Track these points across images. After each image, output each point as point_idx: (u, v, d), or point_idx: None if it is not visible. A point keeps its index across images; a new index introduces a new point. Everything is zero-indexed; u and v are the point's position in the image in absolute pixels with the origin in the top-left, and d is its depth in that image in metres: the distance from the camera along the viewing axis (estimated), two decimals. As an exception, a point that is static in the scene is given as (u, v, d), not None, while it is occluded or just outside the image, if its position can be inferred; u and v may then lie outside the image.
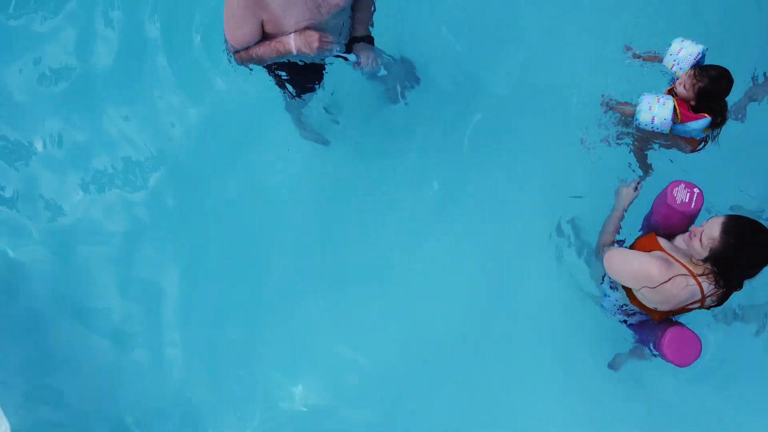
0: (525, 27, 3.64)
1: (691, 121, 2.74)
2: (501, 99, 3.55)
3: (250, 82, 3.16)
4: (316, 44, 2.41)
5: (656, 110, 2.73)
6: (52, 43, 3.68)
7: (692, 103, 2.73)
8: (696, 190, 2.48)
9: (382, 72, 2.78)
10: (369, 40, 2.77)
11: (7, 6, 3.74)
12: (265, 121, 3.54)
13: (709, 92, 2.66)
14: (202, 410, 3.34)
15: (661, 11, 3.50)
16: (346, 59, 2.70)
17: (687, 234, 2.39)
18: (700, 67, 2.69)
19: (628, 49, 3.18)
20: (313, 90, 3.02)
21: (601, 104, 3.11)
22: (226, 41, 2.53)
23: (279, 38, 2.45)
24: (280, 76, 2.88)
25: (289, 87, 2.96)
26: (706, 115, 2.73)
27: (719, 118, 2.76)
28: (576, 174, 3.35)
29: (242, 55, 2.53)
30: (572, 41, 3.56)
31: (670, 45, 2.83)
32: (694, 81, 2.65)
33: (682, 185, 2.50)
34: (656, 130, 2.80)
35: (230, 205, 3.53)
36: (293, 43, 2.43)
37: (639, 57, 3.12)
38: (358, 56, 2.69)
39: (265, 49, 2.48)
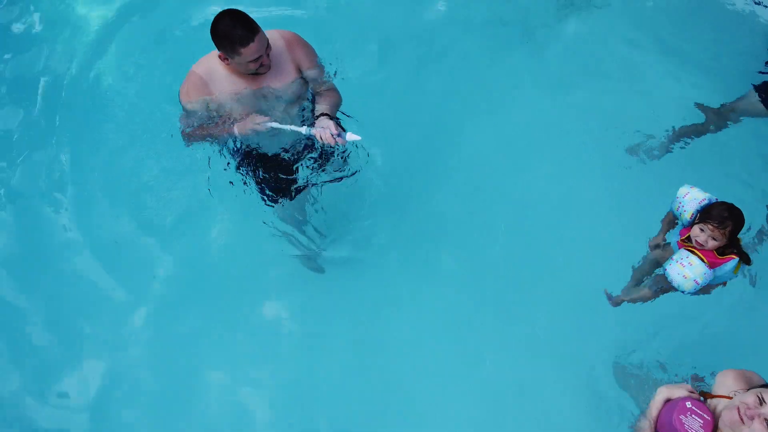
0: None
1: (722, 264, 2.75)
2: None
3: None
4: (250, 125, 2.64)
5: (689, 272, 2.73)
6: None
7: (720, 246, 2.73)
8: (707, 417, 2.10)
9: (347, 140, 2.64)
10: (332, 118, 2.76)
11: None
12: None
13: (737, 230, 2.70)
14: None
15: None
16: (299, 132, 2.67)
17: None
18: (713, 215, 2.69)
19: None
20: (287, 193, 3.13)
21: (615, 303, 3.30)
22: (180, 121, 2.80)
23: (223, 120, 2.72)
24: (257, 175, 3.07)
25: (265, 189, 3.12)
26: (733, 256, 2.75)
27: (743, 254, 2.78)
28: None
29: (190, 134, 2.77)
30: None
31: (678, 191, 2.91)
32: (721, 229, 2.66)
33: (690, 412, 2.11)
34: (704, 286, 2.78)
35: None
36: (235, 130, 2.68)
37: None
38: (310, 129, 2.65)
39: (209, 134, 2.74)
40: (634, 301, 3.18)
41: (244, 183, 3.10)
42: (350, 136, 2.59)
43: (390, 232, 3.70)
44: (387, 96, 4.03)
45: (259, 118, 2.64)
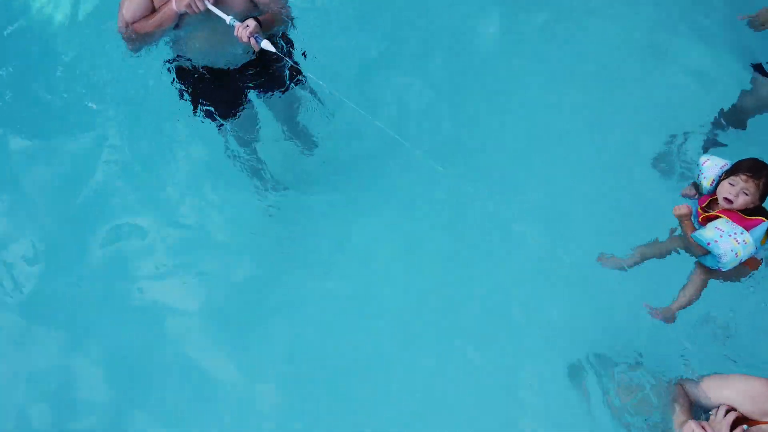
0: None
1: (751, 229, 2.51)
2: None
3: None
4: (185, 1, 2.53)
5: (742, 249, 2.49)
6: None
7: (749, 207, 2.55)
8: None
9: (260, 45, 2.58)
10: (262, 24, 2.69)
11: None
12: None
13: None
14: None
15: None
16: (225, 20, 2.59)
17: None
18: (744, 167, 2.53)
19: None
20: (235, 114, 3.05)
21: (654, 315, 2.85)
22: (119, 24, 2.70)
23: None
24: (201, 102, 2.97)
25: (211, 111, 3.00)
26: (762, 218, 2.52)
27: None
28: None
29: (132, 33, 2.67)
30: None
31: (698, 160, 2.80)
32: (756, 180, 2.48)
33: None
34: (748, 256, 2.54)
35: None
36: (173, 4, 2.57)
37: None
38: (235, 21, 2.58)
39: (152, 20, 2.63)
40: (688, 303, 2.78)
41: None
42: (266, 44, 2.57)
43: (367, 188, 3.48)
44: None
45: None
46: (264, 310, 3.23)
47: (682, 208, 2.71)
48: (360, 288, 3.24)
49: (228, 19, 2.58)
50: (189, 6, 2.54)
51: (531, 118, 3.67)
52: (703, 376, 2.30)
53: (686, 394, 2.27)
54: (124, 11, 2.66)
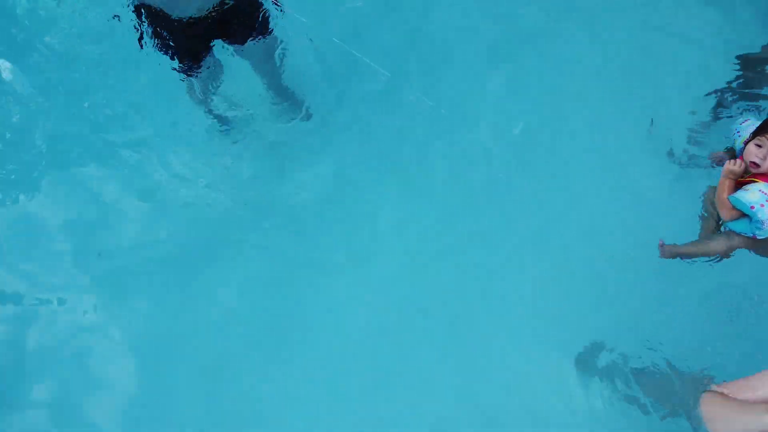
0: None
1: None
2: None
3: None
4: None
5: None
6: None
7: None
8: None
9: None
10: None
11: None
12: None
13: None
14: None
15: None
16: None
17: None
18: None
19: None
20: (192, 69, 2.69)
21: None
22: None
23: None
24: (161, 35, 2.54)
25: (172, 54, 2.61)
26: None
27: None
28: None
29: None
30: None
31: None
32: None
33: None
34: None
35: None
36: None
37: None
38: None
39: None
40: (693, 255, 2.60)
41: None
42: None
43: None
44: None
45: None
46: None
47: (736, 163, 2.45)
48: (363, 282, 2.96)
49: None
50: None
51: (538, 109, 3.31)
52: (725, 383, 2.14)
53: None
54: None
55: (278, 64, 2.88)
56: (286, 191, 3.10)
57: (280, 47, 2.81)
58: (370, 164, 3.16)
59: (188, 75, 2.72)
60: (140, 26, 2.53)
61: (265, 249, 2.99)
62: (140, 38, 2.55)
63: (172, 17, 2.43)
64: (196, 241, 3.02)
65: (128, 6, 2.49)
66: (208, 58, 2.70)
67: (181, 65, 2.66)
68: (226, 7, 2.50)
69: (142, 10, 2.45)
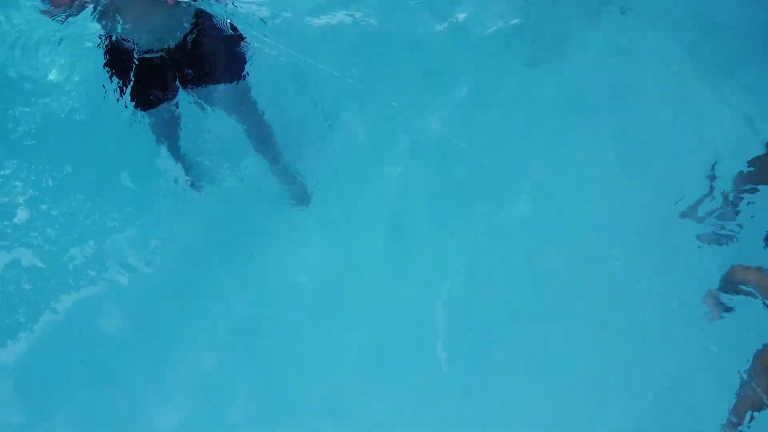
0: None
1: None
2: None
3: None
4: None
5: None
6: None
7: None
8: None
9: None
10: None
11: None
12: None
13: None
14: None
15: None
16: None
17: None
18: None
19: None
20: (153, 102, 2.47)
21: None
22: None
23: None
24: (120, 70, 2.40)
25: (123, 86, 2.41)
26: None
27: None
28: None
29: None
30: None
31: None
32: None
33: None
34: None
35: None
36: None
37: None
38: None
39: None
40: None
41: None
42: None
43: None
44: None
45: None
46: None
47: None
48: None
49: None
50: None
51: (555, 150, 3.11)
52: None
53: None
54: None
55: (256, 107, 2.62)
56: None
57: (253, 89, 2.58)
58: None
59: (150, 118, 2.53)
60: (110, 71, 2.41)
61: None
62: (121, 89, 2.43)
63: (135, 51, 2.32)
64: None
65: (99, 45, 2.41)
66: (172, 102, 2.52)
67: (143, 105, 2.46)
68: (189, 42, 2.36)
69: (109, 47, 2.38)
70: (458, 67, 3.31)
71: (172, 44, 2.35)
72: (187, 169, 2.81)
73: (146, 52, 2.35)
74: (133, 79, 2.38)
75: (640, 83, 3.28)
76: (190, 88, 2.47)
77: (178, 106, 2.56)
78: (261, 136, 2.73)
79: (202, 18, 2.37)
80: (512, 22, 3.44)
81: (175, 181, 2.80)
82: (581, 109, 3.21)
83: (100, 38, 2.40)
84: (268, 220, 2.84)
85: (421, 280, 2.76)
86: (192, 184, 2.83)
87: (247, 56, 2.49)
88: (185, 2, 2.18)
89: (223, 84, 2.47)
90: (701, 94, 3.23)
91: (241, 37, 2.47)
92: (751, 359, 2.34)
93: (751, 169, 2.80)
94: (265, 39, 2.57)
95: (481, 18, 3.42)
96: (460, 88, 3.22)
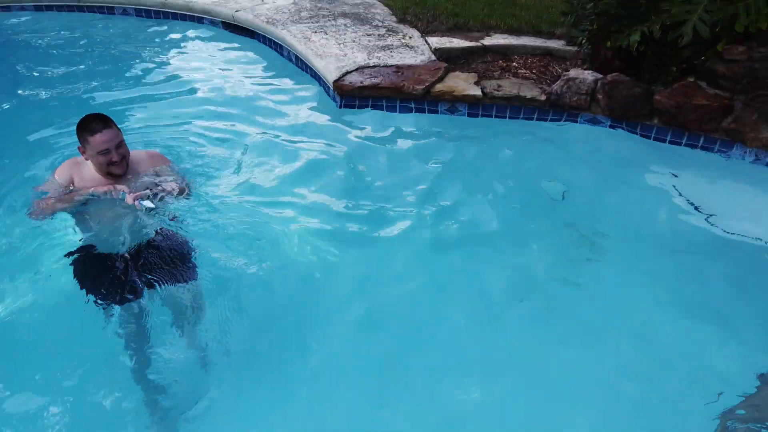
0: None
1: None
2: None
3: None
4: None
5: None
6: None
7: None
8: None
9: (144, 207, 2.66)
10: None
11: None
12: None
13: None
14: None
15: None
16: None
17: None
18: None
19: None
20: (124, 297, 2.67)
21: None
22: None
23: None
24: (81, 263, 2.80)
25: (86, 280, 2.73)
26: None
27: None
28: None
29: (45, 204, 2.76)
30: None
31: None
32: None
33: None
34: None
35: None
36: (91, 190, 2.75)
37: None
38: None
39: (65, 200, 2.77)
40: None
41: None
42: (146, 203, 2.66)
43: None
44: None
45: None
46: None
47: None
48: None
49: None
50: (107, 193, 2.72)
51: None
52: None
53: None
54: (34, 198, 2.83)
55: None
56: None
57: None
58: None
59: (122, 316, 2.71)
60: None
61: None
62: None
63: (103, 252, 2.81)
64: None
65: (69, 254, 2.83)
66: (133, 304, 2.72)
67: (107, 300, 2.69)
68: (151, 245, 2.86)
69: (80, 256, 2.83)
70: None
71: (136, 247, 2.81)
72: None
73: (113, 254, 2.77)
74: (99, 278, 2.71)
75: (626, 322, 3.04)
76: (149, 285, 2.75)
77: (142, 306, 2.73)
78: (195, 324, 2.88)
79: (163, 228, 2.89)
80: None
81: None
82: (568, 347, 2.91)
83: (71, 252, 2.84)
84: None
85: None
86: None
87: (198, 262, 2.89)
88: (150, 208, 2.65)
89: (179, 284, 2.80)
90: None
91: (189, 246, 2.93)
92: None
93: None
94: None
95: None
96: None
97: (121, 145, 2.79)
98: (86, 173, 2.87)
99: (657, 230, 3.58)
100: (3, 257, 3.17)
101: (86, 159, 2.82)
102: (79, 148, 2.80)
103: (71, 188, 2.81)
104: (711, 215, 3.64)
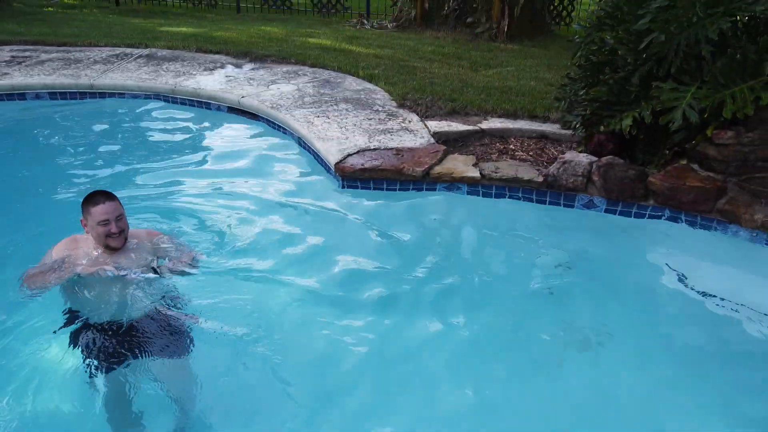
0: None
1: None
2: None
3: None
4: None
5: None
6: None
7: None
8: None
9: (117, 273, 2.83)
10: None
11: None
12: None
13: None
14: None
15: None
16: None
17: None
18: None
19: None
20: (119, 359, 2.77)
21: None
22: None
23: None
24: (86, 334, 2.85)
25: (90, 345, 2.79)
26: None
27: None
28: None
29: (34, 276, 2.84)
30: None
31: None
32: None
33: None
34: None
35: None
36: (79, 268, 2.82)
37: None
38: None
39: (53, 276, 2.84)
40: None
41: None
42: (148, 274, 2.88)
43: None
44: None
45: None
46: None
47: None
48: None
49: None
50: (95, 273, 2.80)
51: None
52: None
53: None
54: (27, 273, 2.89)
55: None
56: None
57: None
58: None
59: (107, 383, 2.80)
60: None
61: None
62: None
63: (95, 322, 2.89)
64: None
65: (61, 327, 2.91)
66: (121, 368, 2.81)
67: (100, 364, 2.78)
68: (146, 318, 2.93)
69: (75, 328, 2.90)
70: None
71: (128, 320, 2.89)
72: None
73: (106, 323, 2.85)
74: (94, 350, 2.79)
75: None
76: (135, 355, 2.82)
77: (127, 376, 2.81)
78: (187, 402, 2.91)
79: (158, 304, 2.97)
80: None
81: None
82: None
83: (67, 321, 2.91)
84: None
85: None
86: None
87: (195, 337, 2.96)
88: (151, 278, 2.86)
89: (168, 358, 2.87)
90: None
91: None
92: None
93: None
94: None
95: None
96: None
97: (121, 218, 2.91)
98: (81, 251, 2.95)
99: (657, 314, 3.56)
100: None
101: (87, 231, 2.94)
102: (81, 220, 2.94)
103: (63, 264, 2.87)
104: (710, 296, 3.64)
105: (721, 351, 3.30)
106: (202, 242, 3.96)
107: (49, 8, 12.12)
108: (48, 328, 2.99)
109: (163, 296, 3.02)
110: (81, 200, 2.94)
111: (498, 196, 4.61)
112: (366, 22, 11.87)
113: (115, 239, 2.90)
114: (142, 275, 2.89)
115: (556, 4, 11.41)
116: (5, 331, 3.13)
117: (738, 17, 3.91)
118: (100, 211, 2.85)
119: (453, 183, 4.61)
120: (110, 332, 2.84)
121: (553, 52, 9.27)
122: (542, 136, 5.50)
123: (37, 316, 3.13)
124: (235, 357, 3.08)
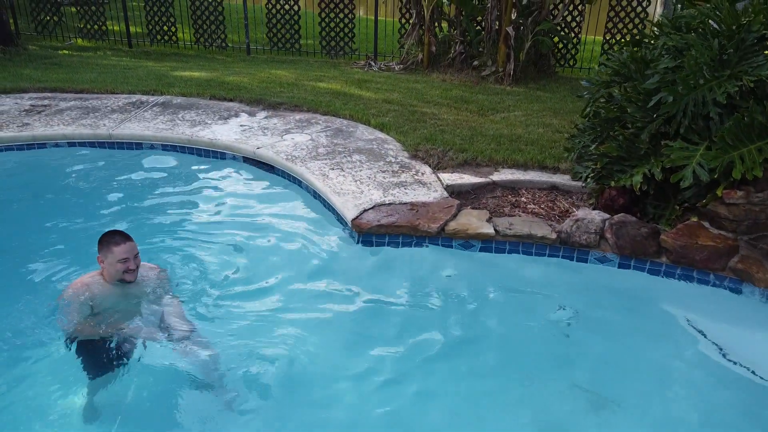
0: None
1: None
2: None
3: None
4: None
5: None
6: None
7: None
8: None
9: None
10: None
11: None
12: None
13: None
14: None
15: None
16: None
17: None
18: None
19: None
20: (108, 367, 3.28)
21: None
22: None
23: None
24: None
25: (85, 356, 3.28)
26: None
27: None
28: None
29: (85, 330, 3.29)
30: None
31: None
32: None
33: None
34: None
35: None
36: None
37: None
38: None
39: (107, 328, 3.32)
40: None
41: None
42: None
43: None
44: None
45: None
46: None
47: None
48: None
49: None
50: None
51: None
52: None
53: None
54: (62, 320, 3.33)
55: None
56: None
57: None
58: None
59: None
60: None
61: None
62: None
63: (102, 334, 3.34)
64: None
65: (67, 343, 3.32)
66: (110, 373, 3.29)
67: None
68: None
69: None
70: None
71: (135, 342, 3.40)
72: None
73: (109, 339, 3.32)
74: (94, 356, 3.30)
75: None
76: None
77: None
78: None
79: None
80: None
81: None
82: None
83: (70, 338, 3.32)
84: None
85: None
86: None
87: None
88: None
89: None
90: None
91: None
92: None
93: None
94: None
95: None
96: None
97: (137, 256, 3.39)
98: (96, 289, 3.37)
99: (670, 372, 3.61)
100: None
101: (103, 267, 3.36)
102: (98, 258, 3.35)
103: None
104: (727, 356, 3.68)
105: (735, 411, 3.33)
106: (213, 294, 4.05)
107: (64, 51, 12.39)
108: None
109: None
110: (96, 242, 3.36)
111: (511, 251, 4.69)
112: (373, 63, 12.10)
113: (130, 274, 3.35)
114: (165, 337, 3.33)
115: (560, 47, 11.63)
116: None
117: (745, 80, 4.03)
118: (121, 250, 3.28)
119: (468, 239, 4.69)
120: (113, 349, 3.30)
121: (559, 96, 9.43)
122: (553, 187, 5.60)
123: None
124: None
